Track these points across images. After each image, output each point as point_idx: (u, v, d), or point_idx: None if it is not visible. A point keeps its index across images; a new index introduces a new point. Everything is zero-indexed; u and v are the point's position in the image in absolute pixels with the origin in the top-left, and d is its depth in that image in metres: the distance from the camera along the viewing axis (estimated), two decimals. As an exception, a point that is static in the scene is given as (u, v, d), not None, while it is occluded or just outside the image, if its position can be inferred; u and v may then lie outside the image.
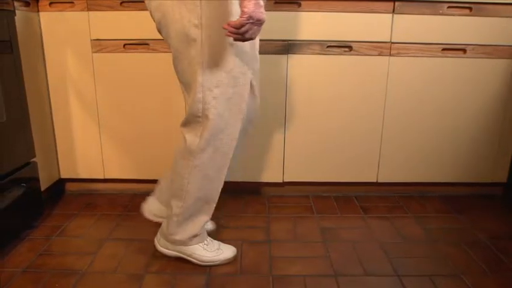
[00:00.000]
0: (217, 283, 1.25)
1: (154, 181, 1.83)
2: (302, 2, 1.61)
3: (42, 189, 1.63)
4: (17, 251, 1.40)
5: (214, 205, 1.32)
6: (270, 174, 1.81)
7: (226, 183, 1.83)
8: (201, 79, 1.16)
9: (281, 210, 1.73)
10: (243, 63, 1.18)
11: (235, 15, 1.10)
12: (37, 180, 1.57)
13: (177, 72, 1.23)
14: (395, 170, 1.81)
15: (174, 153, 1.29)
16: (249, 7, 1.03)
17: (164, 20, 1.15)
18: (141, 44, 1.65)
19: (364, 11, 1.62)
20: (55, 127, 1.75)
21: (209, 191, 1.29)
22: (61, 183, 1.86)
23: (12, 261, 1.35)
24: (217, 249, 1.36)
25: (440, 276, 1.29)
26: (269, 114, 1.73)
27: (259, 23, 1.06)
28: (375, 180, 1.82)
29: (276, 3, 1.61)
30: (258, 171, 1.81)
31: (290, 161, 1.79)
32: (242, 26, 1.04)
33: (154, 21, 1.19)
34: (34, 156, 1.55)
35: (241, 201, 1.82)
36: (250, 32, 1.06)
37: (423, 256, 1.40)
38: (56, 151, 1.78)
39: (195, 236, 1.32)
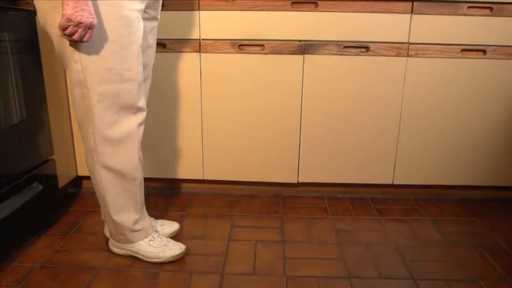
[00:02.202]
0: (231, 283, 1.26)
1: (166, 179, 1.85)
2: (319, 2, 1.60)
3: (60, 186, 1.66)
4: (35, 247, 1.43)
5: (139, 199, 1.32)
6: (285, 175, 1.81)
7: (242, 183, 1.85)
8: (83, 77, 1.16)
9: (296, 211, 1.73)
10: (125, 60, 1.17)
11: (101, 16, 1.10)
12: (55, 177, 1.60)
13: (66, 72, 1.22)
14: (411, 172, 1.79)
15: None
16: (67, 9, 1.01)
17: (46, 25, 1.15)
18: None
19: (382, 11, 1.60)
20: (73, 125, 1.77)
21: (123, 185, 1.29)
22: (78, 180, 1.89)
23: (31, 257, 1.37)
24: (164, 245, 1.36)
25: (457, 280, 1.27)
26: (285, 115, 1.73)
27: (82, 26, 1.03)
28: (390, 182, 1.80)
29: (293, 3, 1.60)
30: (273, 171, 1.80)
31: (305, 162, 1.79)
32: (65, 28, 1.03)
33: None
34: (53, 153, 1.58)
35: (256, 201, 1.82)
36: (77, 34, 1.04)
37: (440, 260, 1.38)
38: (74, 149, 1.80)
39: (134, 231, 1.33)
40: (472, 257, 1.40)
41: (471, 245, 1.47)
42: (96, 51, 1.13)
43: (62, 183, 1.68)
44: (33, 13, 1.44)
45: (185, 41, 1.66)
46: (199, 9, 1.62)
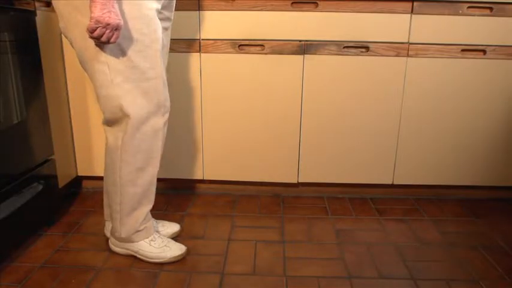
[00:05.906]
0: (231, 283, 1.26)
1: (166, 179, 1.85)
2: (319, 2, 1.60)
3: (60, 186, 1.66)
4: (35, 247, 1.43)
5: (152, 197, 1.34)
6: (285, 175, 1.81)
7: (242, 183, 1.85)
8: (110, 78, 1.17)
9: (296, 211, 1.73)
10: (148, 58, 1.18)
11: (124, 15, 1.11)
12: (55, 177, 1.60)
13: (88, 74, 1.23)
14: (411, 172, 1.79)
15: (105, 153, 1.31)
16: (95, 11, 1.03)
17: (67, 27, 1.16)
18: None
19: (382, 11, 1.60)
20: (73, 125, 1.77)
21: (141, 183, 1.29)
22: (78, 180, 1.89)
23: (31, 257, 1.37)
24: (165, 246, 1.36)
25: (457, 280, 1.27)
26: (285, 115, 1.73)
27: (110, 27, 1.05)
28: (390, 182, 1.80)
29: (293, 3, 1.60)
30: (273, 171, 1.80)
31: (305, 162, 1.78)
32: (94, 30, 1.04)
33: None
34: (53, 153, 1.58)
35: (256, 201, 1.82)
36: (104, 36, 1.06)
37: (440, 260, 1.38)
38: (74, 149, 1.80)
39: (137, 231, 1.34)
40: (472, 257, 1.40)
41: (471, 245, 1.47)
42: (122, 51, 1.15)
43: (62, 183, 1.68)
44: (33, 13, 1.44)
45: (185, 41, 1.66)
46: (199, 9, 1.62)
